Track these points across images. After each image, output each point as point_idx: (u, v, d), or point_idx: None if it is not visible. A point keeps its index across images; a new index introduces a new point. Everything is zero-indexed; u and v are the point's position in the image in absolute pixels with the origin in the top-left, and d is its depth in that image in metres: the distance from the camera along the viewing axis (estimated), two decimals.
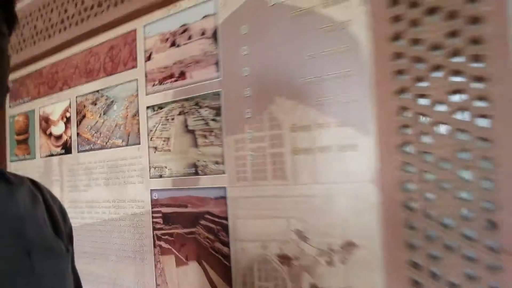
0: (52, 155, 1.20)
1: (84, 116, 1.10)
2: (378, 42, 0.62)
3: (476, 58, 0.55)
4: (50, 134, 1.21)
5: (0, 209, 0.45)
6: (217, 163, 0.81)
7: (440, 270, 0.57)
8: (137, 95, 0.96)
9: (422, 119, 0.59)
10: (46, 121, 1.23)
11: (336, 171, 0.67)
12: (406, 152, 0.60)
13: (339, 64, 0.66)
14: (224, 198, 0.80)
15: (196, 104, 0.85)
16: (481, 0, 0.54)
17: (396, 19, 0.61)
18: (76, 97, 1.12)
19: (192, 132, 0.86)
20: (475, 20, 0.55)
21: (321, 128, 0.68)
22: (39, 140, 1.26)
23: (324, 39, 0.68)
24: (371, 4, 0.63)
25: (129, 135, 0.98)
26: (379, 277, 0.62)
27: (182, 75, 0.87)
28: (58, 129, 1.18)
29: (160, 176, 0.91)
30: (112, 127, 1.02)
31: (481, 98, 0.55)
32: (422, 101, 0.59)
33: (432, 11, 0.58)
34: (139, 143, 0.95)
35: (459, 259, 0.56)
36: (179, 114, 0.88)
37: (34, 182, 0.55)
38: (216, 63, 0.81)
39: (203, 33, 0.83)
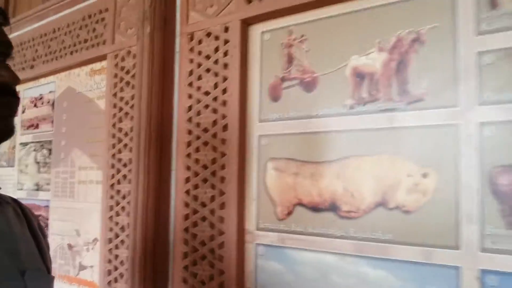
0: None
1: None
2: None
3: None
4: None
5: None
6: (47, 184, 1.30)
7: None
8: (15, 135, 1.45)
9: None
10: None
11: (95, 195, 1.15)
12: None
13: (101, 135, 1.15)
14: (48, 206, 1.28)
15: (42, 146, 1.33)
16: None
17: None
18: None
19: (38, 163, 1.34)
20: None
21: (90, 169, 1.17)
22: None
23: (98, 119, 1.17)
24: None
25: (10, 160, 1.47)
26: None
27: (37, 126, 1.36)
28: None
29: (22, 189, 1.39)
30: (1, 154, 1.51)
31: None
32: None
33: None
34: (14, 166, 1.44)
35: None
36: (34, 150, 1.37)
37: (14, 200, 0.55)
38: (52, 122, 1.30)
39: (48, 102, 1.33)
